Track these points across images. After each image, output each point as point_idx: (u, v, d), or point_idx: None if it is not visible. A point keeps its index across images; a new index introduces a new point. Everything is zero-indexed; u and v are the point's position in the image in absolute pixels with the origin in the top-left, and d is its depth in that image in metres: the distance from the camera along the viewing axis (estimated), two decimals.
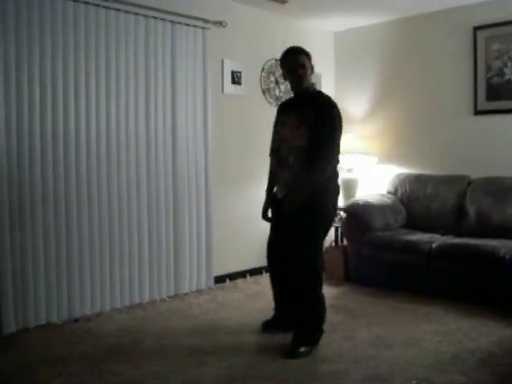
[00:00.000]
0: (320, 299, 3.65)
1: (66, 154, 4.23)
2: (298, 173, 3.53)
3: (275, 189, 3.87)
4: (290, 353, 3.49)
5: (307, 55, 3.67)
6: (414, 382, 3.11)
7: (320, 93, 3.81)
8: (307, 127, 3.49)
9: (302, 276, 3.55)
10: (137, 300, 4.74)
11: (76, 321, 4.28)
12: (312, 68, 3.70)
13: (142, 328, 4.14)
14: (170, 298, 4.94)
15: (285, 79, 3.82)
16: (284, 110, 3.87)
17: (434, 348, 3.63)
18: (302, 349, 3.52)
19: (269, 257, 3.98)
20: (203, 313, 4.53)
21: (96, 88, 4.40)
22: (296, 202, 3.49)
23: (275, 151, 3.78)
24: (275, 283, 3.98)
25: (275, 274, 3.95)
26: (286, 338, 3.85)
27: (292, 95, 3.92)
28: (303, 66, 3.62)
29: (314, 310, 3.63)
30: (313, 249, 3.57)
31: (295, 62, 3.62)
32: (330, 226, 3.79)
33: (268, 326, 3.99)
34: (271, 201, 3.91)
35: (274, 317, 4.02)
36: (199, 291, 5.15)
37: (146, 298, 4.80)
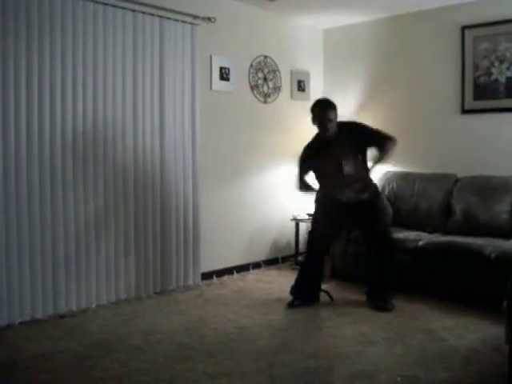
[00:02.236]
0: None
1: (51, 149, 4.20)
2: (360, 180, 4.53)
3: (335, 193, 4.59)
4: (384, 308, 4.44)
5: (334, 108, 4.44)
6: (398, 378, 3.13)
7: (342, 125, 4.51)
8: (352, 154, 4.47)
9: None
10: (123, 296, 4.73)
11: (61, 317, 4.26)
12: (336, 116, 4.45)
13: (128, 324, 4.13)
14: (156, 293, 4.93)
15: (313, 123, 4.49)
16: (317, 151, 4.58)
17: (419, 345, 3.65)
18: (390, 305, 4.47)
19: (314, 244, 4.73)
20: (190, 309, 4.52)
21: (83, 83, 4.37)
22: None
23: (328, 177, 4.57)
24: (312, 266, 4.71)
25: (316, 258, 4.72)
26: (271, 335, 3.87)
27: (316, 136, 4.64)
28: (330, 120, 4.40)
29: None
30: None
31: (324, 118, 4.39)
32: None
33: (292, 305, 4.59)
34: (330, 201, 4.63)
35: (296, 298, 4.63)
36: (186, 287, 5.15)
37: (133, 294, 4.79)
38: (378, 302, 4.51)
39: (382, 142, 4.52)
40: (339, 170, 4.45)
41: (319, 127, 4.48)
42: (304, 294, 4.66)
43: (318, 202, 4.76)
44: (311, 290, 4.71)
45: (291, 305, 4.58)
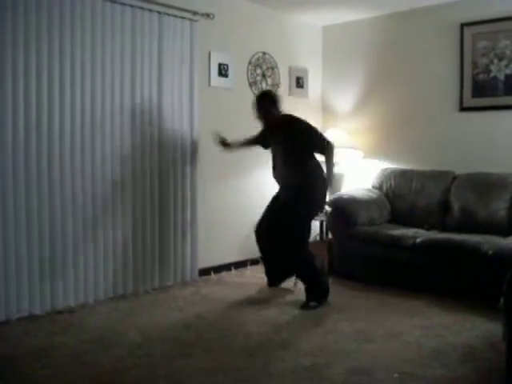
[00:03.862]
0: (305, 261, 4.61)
1: (49, 145, 4.19)
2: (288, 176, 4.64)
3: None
4: (302, 306, 4.45)
5: (263, 105, 4.71)
6: (395, 375, 3.14)
7: (282, 118, 4.73)
8: (283, 148, 4.64)
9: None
10: (121, 292, 4.73)
11: (59, 312, 4.25)
12: (273, 105, 4.72)
13: (125, 320, 4.13)
14: (154, 290, 4.93)
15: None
16: (268, 131, 4.86)
17: (416, 342, 3.66)
18: (312, 303, 4.46)
19: (258, 231, 4.97)
20: (187, 305, 4.53)
21: (81, 79, 4.36)
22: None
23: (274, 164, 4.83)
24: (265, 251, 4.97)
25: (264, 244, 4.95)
26: (268, 331, 3.88)
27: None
28: (259, 117, 4.75)
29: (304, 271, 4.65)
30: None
31: (258, 110, 4.73)
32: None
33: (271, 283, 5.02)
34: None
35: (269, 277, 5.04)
36: (184, 283, 5.15)
37: (130, 290, 4.79)
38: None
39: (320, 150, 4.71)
40: (277, 161, 4.72)
41: (258, 117, 4.79)
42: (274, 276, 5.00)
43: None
44: (276, 271, 4.97)
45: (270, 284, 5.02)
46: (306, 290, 4.59)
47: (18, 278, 4.07)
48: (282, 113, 4.77)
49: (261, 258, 5.13)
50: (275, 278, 5.00)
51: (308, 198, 4.52)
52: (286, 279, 5.00)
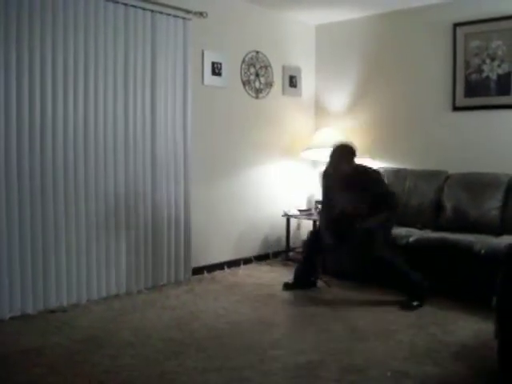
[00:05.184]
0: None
1: (42, 146, 4.17)
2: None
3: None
4: (402, 305, 4.42)
5: (348, 159, 4.61)
6: (388, 373, 3.15)
7: (357, 169, 4.67)
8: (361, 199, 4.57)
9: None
10: (114, 291, 4.72)
11: (52, 312, 4.24)
12: (351, 161, 4.63)
13: (118, 319, 4.12)
14: (147, 289, 4.92)
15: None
16: (333, 183, 4.79)
17: (409, 340, 3.67)
18: (414, 303, 4.41)
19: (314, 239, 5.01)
20: (181, 304, 4.52)
21: (74, 78, 4.34)
22: None
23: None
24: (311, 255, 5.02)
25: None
26: (262, 330, 3.87)
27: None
28: (342, 169, 4.61)
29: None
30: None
31: (337, 166, 4.65)
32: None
33: (289, 287, 4.96)
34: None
35: (296, 280, 5.00)
36: (177, 283, 5.14)
37: (124, 290, 4.78)
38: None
39: (379, 201, 4.61)
40: (333, 211, 4.74)
41: (333, 168, 4.71)
42: (303, 277, 5.00)
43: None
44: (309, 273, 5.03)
45: (288, 286, 4.95)
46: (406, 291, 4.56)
47: (10, 277, 4.05)
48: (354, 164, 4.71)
49: (301, 259, 5.21)
50: (301, 280, 5.00)
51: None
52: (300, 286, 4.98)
